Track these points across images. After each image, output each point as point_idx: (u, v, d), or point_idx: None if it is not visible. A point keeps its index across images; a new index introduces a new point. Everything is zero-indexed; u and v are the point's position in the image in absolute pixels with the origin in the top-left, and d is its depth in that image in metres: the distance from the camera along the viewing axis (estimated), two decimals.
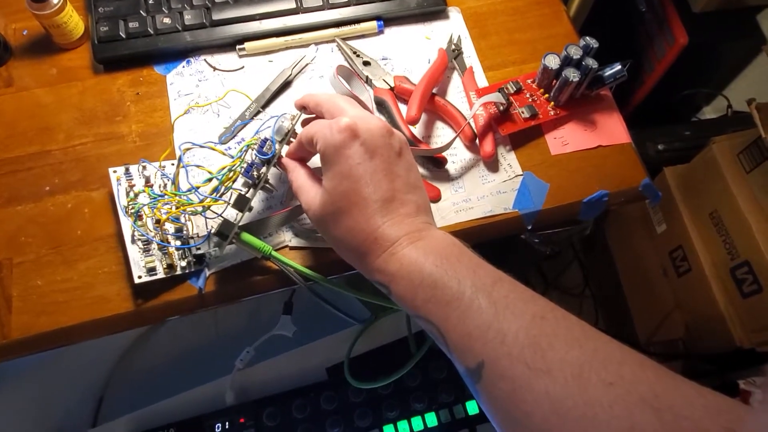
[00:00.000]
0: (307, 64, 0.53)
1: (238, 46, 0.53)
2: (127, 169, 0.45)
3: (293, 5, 0.53)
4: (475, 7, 0.57)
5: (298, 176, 0.40)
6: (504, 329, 0.29)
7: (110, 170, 0.45)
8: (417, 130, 0.51)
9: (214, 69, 0.53)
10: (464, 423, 0.62)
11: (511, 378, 0.28)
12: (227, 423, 0.62)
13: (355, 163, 0.35)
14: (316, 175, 0.40)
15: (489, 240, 0.48)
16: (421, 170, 0.49)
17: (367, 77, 0.52)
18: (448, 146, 0.47)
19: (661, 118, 1.09)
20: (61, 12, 0.49)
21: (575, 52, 0.48)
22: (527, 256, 1.19)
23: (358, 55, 0.53)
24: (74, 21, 0.51)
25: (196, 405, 0.64)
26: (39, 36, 0.53)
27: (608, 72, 0.49)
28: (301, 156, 0.42)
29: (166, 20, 0.51)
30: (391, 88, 0.51)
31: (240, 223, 0.41)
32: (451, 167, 0.50)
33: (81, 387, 0.67)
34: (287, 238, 0.46)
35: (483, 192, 0.49)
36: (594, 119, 0.52)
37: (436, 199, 0.48)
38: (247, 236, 0.41)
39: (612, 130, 0.52)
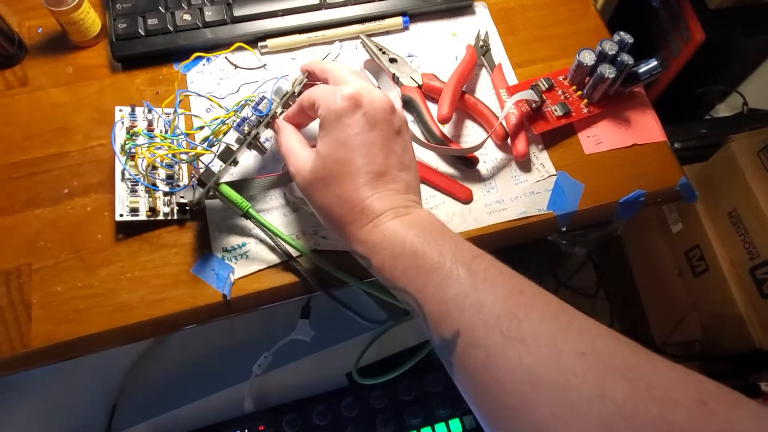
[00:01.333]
0: None
1: (260, 43, 0.51)
2: (132, 109, 0.45)
3: (316, 1, 0.51)
4: (502, 2, 0.56)
5: (289, 139, 0.39)
6: (481, 299, 0.30)
7: (116, 108, 0.45)
8: (447, 130, 0.49)
9: (236, 67, 0.51)
10: None
11: (485, 346, 0.28)
12: (246, 431, 0.60)
13: (353, 133, 0.35)
14: (307, 141, 0.40)
15: (517, 243, 0.47)
16: (452, 171, 0.48)
17: (393, 75, 0.50)
18: (480, 146, 0.46)
19: (675, 117, 1.07)
20: (78, 9, 0.47)
21: (610, 48, 0.46)
22: (546, 259, 1.18)
23: (384, 52, 0.51)
24: (91, 18, 0.49)
25: (213, 412, 0.63)
26: (55, 34, 0.51)
27: (644, 68, 0.48)
28: (299, 121, 0.41)
29: (186, 17, 0.50)
30: (419, 86, 0.50)
31: (223, 176, 0.41)
32: (483, 167, 0.48)
33: (94, 394, 0.65)
34: (316, 242, 0.45)
35: (516, 193, 0.47)
36: (628, 117, 0.50)
37: (468, 200, 0.47)
38: (225, 188, 0.41)
39: (647, 128, 0.50)
